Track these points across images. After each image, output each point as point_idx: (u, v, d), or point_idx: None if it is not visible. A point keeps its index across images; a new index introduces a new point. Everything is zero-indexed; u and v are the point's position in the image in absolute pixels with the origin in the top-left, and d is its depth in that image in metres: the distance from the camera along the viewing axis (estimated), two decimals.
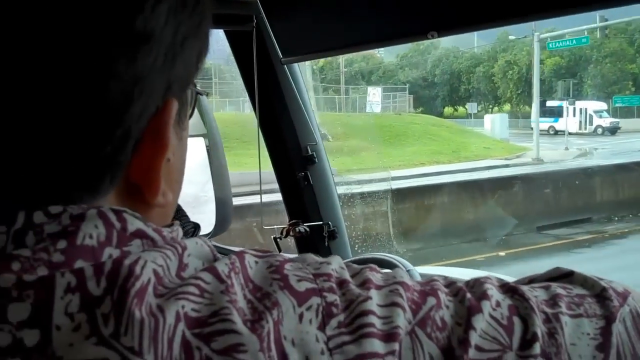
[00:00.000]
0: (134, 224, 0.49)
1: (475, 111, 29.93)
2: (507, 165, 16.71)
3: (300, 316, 0.48)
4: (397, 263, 1.61)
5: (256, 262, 0.52)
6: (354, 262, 1.81)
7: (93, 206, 0.48)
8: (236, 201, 2.10)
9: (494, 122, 25.09)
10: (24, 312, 0.42)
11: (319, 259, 0.55)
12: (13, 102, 0.43)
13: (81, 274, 0.44)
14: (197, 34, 0.52)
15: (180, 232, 0.54)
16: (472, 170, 14.76)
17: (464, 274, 1.78)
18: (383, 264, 1.67)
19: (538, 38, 20.59)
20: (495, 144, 20.94)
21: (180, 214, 0.86)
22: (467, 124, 26.72)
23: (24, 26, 0.43)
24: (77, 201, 0.48)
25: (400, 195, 9.62)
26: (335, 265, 0.54)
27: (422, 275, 1.68)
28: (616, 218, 12.17)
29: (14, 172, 0.46)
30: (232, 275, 0.48)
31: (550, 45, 23.05)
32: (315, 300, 0.49)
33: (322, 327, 0.48)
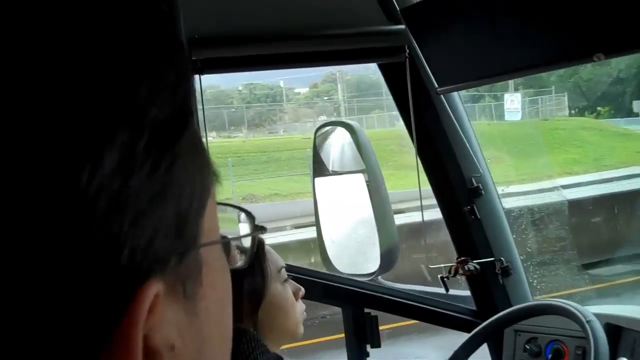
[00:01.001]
0: None
1: None
2: None
3: None
4: (577, 312, 1.43)
5: None
6: (525, 310, 1.65)
7: None
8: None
9: None
10: None
11: None
12: None
13: None
14: (163, 198, 0.35)
15: None
16: (587, 183, 11.51)
17: None
18: (560, 312, 1.50)
19: None
20: None
21: (258, 351, 0.76)
22: None
23: None
24: None
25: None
26: None
27: (596, 315, 1.48)
28: None
29: None
30: None
31: None
32: None
33: None
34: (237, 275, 1.29)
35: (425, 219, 1.92)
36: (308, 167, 13.98)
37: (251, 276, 1.32)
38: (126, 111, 0.33)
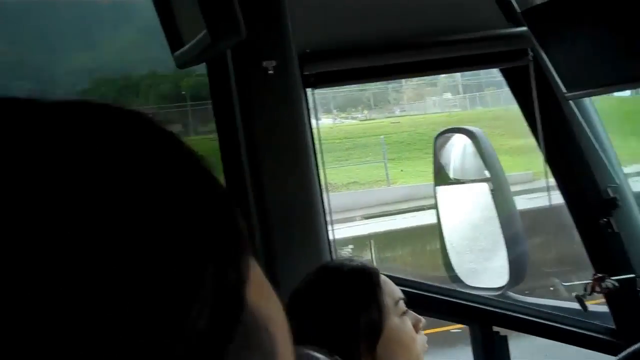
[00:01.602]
0: None
1: None
2: None
3: None
4: None
5: None
6: None
7: None
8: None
9: None
10: None
11: None
12: None
13: None
14: None
15: None
16: None
17: None
18: None
19: None
20: None
21: None
22: None
23: None
24: None
25: None
26: None
27: None
28: None
29: None
30: None
31: None
32: None
33: None
34: (353, 310, 1.25)
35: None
36: (383, 154, 13.69)
37: (367, 311, 1.27)
38: (149, 338, 0.26)
